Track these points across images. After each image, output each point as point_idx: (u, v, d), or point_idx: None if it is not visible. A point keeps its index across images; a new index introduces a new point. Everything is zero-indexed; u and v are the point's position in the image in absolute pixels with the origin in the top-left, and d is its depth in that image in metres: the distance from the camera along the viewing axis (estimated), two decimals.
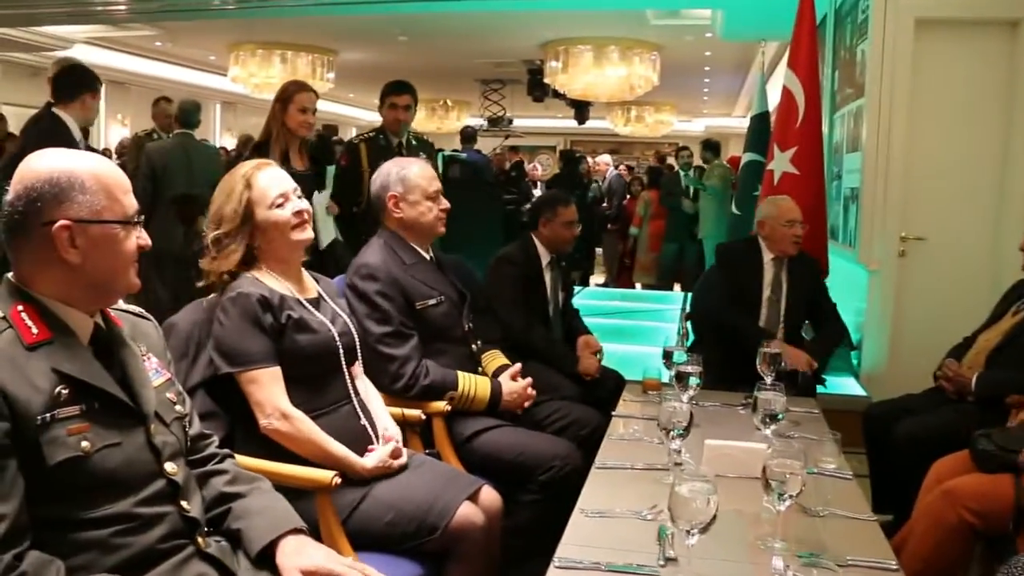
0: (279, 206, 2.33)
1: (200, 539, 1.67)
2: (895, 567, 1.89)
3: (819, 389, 3.98)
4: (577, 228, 3.98)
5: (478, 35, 10.86)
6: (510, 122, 15.33)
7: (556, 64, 11.53)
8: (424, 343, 2.89)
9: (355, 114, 19.02)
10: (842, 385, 4.99)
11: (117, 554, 1.54)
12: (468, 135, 10.57)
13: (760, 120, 6.43)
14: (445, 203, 3.02)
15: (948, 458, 2.88)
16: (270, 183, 2.35)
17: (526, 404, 3.06)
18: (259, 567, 1.71)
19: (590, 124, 15.54)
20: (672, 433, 2.27)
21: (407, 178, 2.96)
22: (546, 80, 12.17)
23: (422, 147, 5.04)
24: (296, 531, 1.78)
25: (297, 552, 1.73)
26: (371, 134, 5.04)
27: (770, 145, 5.18)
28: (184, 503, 1.66)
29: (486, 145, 14.15)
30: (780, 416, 2.47)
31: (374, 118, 22.38)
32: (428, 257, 3.04)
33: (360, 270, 2.87)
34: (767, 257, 3.99)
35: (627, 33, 10.86)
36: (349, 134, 18.42)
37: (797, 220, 3.93)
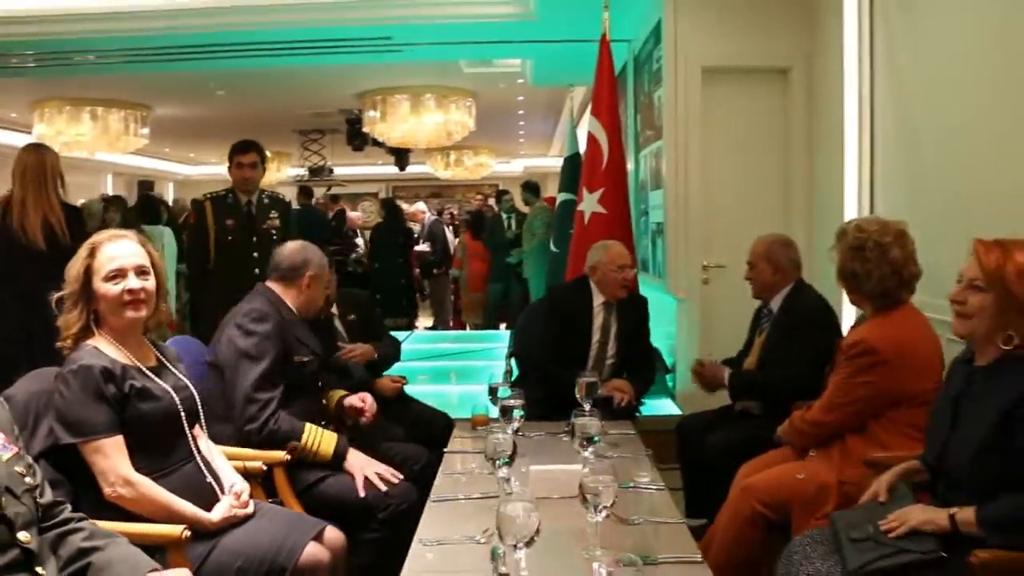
0: (112, 279, 2.40)
1: None
2: (700, 560, 2.14)
3: (637, 414, 4.28)
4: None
5: (296, 87, 10.86)
6: (331, 171, 15.37)
7: (374, 113, 11.64)
8: (284, 393, 3.06)
9: (172, 168, 18.57)
10: (659, 407, 5.34)
11: None
12: (306, 191, 10.78)
13: (572, 161, 6.80)
14: None
15: (752, 462, 3.22)
16: (112, 256, 2.41)
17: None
18: None
19: (411, 170, 15.69)
20: (498, 462, 2.46)
21: (324, 264, 3.33)
22: (365, 129, 12.26)
23: (275, 205, 5.12)
24: (154, 570, 1.89)
25: None
26: (220, 192, 5.09)
27: (579, 187, 5.52)
28: (39, 569, 1.73)
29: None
30: (596, 439, 2.66)
31: (191, 172, 21.82)
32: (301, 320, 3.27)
33: (251, 313, 3.08)
34: (597, 301, 4.18)
35: (442, 81, 11.11)
36: (166, 189, 18.03)
37: (627, 265, 4.16)
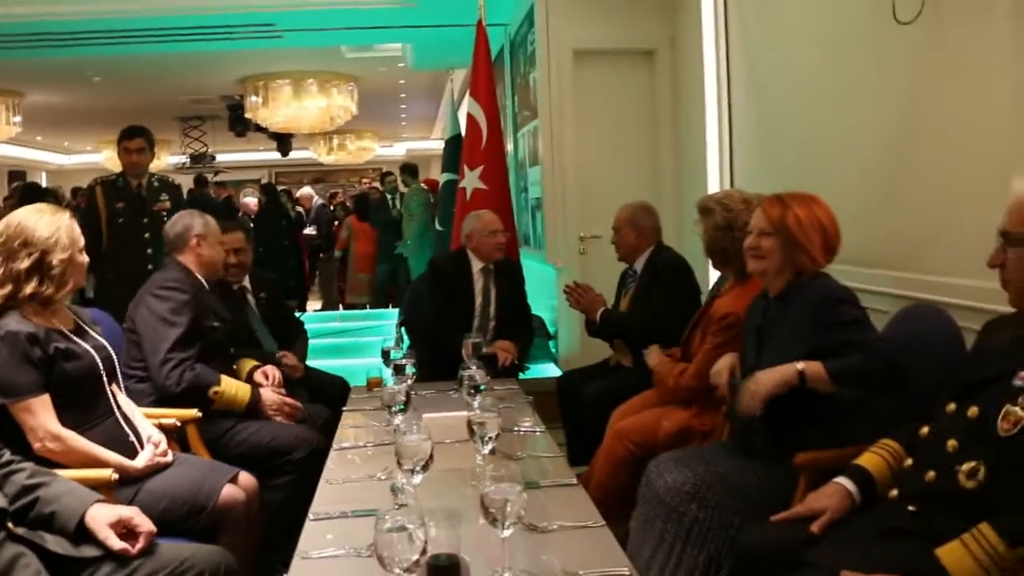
0: None
1: (10, 525, 1.96)
2: (575, 483, 2.44)
3: (523, 375, 4.60)
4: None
5: (175, 73, 10.78)
6: (213, 158, 15.25)
7: (256, 99, 11.67)
8: (197, 356, 3.29)
9: (45, 158, 18.06)
10: (544, 370, 5.68)
11: None
12: (201, 179, 10.75)
13: (453, 142, 7.04)
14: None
15: (622, 407, 3.58)
16: None
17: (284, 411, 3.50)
18: (75, 538, 2.03)
19: (294, 155, 15.72)
20: (394, 409, 2.73)
21: (208, 223, 3.51)
22: (247, 115, 12.27)
23: (165, 188, 5.24)
24: (98, 501, 2.11)
25: (102, 513, 2.07)
26: (110, 177, 5.24)
27: (461, 165, 5.79)
28: None
29: (190, 181, 13.97)
30: (482, 387, 2.91)
31: (65, 161, 21.05)
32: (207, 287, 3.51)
33: (166, 282, 3.31)
34: (476, 267, 4.49)
35: (324, 66, 11.22)
36: (39, 179, 17.51)
37: (499, 229, 4.49)
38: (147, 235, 4.97)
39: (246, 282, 4.31)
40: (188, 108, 13.80)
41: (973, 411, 1.91)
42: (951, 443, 1.93)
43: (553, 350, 6.02)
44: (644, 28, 5.68)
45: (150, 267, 4.69)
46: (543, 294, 5.97)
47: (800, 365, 2.49)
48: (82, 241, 2.68)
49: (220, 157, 15.86)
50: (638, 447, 3.23)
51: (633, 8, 5.67)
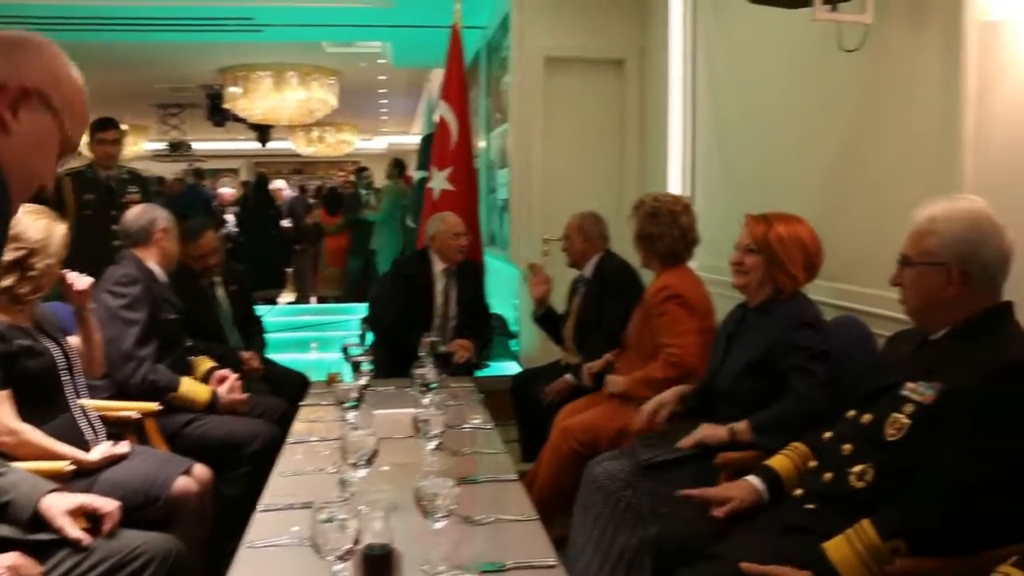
0: None
1: None
2: (515, 479, 2.55)
3: (482, 372, 4.72)
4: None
5: (155, 61, 10.80)
6: (189, 147, 15.25)
7: (236, 89, 11.69)
8: (154, 349, 3.39)
9: None
10: (504, 368, 5.80)
11: None
12: (198, 172, 10.89)
13: (428, 140, 7.14)
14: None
15: (568, 407, 3.73)
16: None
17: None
18: (30, 527, 2.11)
19: (273, 145, 15.72)
20: (346, 404, 2.84)
21: (169, 216, 3.62)
22: (226, 105, 12.29)
23: (134, 180, 5.30)
24: (53, 490, 2.18)
25: (58, 502, 2.15)
26: (79, 168, 5.24)
27: (430, 166, 5.90)
28: None
29: (167, 169, 13.96)
30: (434, 384, 3.00)
31: None
32: (165, 279, 3.62)
33: (122, 278, 3.39)
34: (438, 268, 4.60)
35: (305, 60, 11.25)
36: None
37: (462, 232, 4.62)
38: (115, 227, 5.01)
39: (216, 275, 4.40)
40: (166, 96, 13.80)
41: (867, 418, 2.09)
42: (846, 447, 2.10)
43: (515, 348, 6.15)
44: (615, 38, 5.79)
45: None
46: (506, 293, 6.09)
47: (731, 425, 2.74)
48: (64, 255, 2.78)
49: (197, 146, 15.86)
50: (583, 445, 3.37)
51: (605, 18, 5.77)
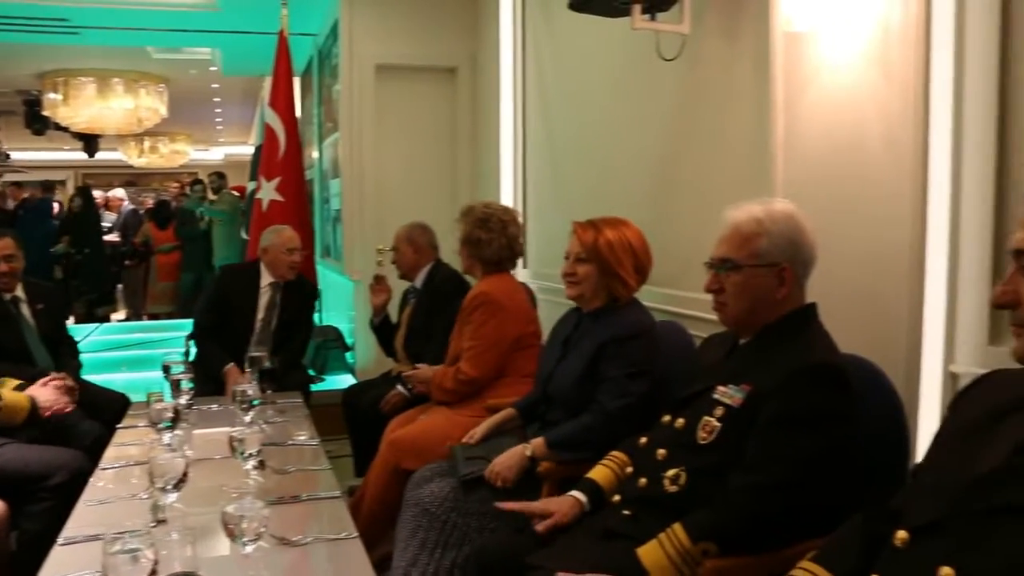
0: None
1: None
2: (338, 496, 2.47)
3: (317, 387, 4.62)
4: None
5: None
6: (7, 156, 14.44)
7: (55, 96, 11.16)
8: None
9: None
10: (341, 382, 5.69)
11: None
12: (48, 186, 10.87)
13: (260, 151, 6.97)
14: None
15: (397, 418, 3.68)
16: None
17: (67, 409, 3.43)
18: None
19: (103, 156, 15.07)
20: (160, 426, 2.70)
21: None
22: (45, 112, 11.71)
23: None
24: None
25: None
26: None
27: (258, 176, 5.75)
28: None
29: None
30: (256, 401, 2.90)
31: None
32: None
33: None
34: (265, 281, 4.46)
35: (131, 66, 10.85)
36: None
37: (296, 248, 4.48)
38: None
39: (19, 291, 4.11)
40: None
41: (680, 422, 2.11)
42: (660, 452, 2.12)
43: (351, 361, 6.04)
44: (447, 46, 5.79)
45: None
46: (342, 305, 5.99)
47: (528, 450, 2.74)
48: None
49: (17, 155, 15.01)
50: (412, 458, 3.31)
51: (437, 26, 5.77)
